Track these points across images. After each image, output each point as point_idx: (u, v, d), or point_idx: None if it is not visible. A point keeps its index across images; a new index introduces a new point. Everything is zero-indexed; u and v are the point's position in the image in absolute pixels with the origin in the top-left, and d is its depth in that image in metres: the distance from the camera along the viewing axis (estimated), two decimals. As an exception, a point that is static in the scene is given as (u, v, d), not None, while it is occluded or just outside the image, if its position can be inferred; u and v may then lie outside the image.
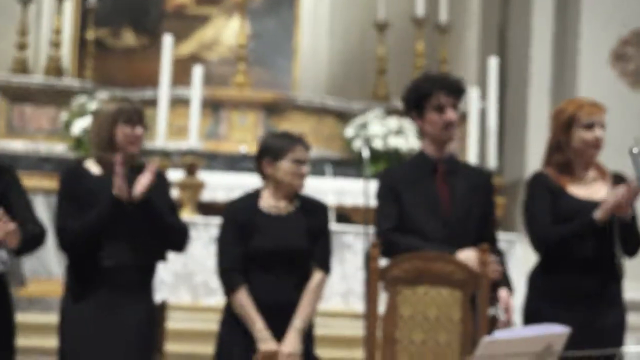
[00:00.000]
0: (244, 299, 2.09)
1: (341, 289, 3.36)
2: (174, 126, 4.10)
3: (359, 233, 3.44)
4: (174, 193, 2.78)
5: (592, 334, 2.04)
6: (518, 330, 1.67)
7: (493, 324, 2.04)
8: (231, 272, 2.11)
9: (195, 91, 3.81)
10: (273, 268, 2.10)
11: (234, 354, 2.09)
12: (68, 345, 2.10)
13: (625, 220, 2.09)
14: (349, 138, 4.59)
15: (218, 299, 2.18)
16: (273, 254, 2.10)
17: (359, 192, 3.86)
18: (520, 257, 3.40)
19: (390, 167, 2.71)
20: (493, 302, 2.06)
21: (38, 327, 3.15)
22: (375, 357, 1.98)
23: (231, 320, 2.12)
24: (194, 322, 3.31)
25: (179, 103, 4.12)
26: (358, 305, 3.28)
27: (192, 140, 3.76)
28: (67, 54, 4.79)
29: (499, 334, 1.50)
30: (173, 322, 2.95)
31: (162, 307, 2.55)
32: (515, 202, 4.00)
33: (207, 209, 3.78)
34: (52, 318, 2.27)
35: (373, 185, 2.15)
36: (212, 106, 4.42)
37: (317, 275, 2.14)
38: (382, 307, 2.01)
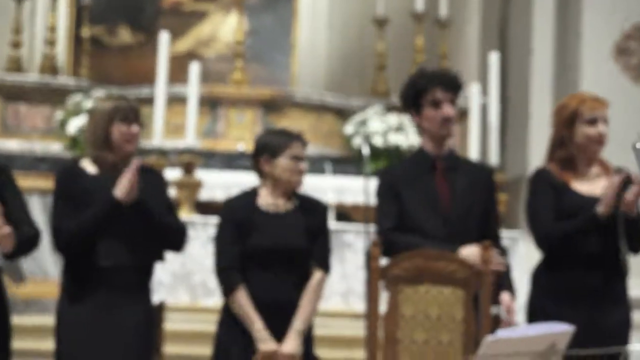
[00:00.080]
0: (242, 299, 2.08)
1: (341, 289, 3.34)
2: (171, 124, 4.08)
3: (359, 232, 3.41)
4: (172, 192, 2.75)
5: (596, 332, 2.03)
6: (521, 329, 1.65)
7: (496, 323, 2.02)
8: (229, 271, 2.10)
9: (192, 89, 3.79)
10: (271, 266, 2.09)
11: (232, 354, 2.08)
12: (65, 347, 2.08)
13: (630, 217, 2.07)
14: (348, 135, 4.57)
15: (216, 300, 2.16)
16: (271, 253, 2.09)
17: (359, 190, 3.83)
18: (523, 255, 3.38)
19: (389, 165, 2.70)
20: (496, 300, 2.03)
21: (34, 329, 3.13)
22: (377, 358, 1.97)
23: (229, 320, 2.10)
24: (193, 323, 3.30)
25: (176, 101, 4.10)
26: (359, 304, 3.26)
27: (190, 139, 3.74)
28: (62, 51, 4.78)
29: (502, 333, 1.48)
30: (171, 323, 2.93)
31: (160, 308, 2.53)
32: (518, 199, 3.97)
33: (205, 208, 3.76)
34: (49, 320, 2.26)
35: (373, 183, 2.14)
36: (210, 104, 4.41)
37: (316, 275, 2.13)
38: (383, 306, 1.99)
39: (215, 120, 4.47)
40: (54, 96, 4.48)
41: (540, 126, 4.09)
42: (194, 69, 3.81)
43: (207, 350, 2.20)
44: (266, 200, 2.15)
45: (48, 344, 2.22)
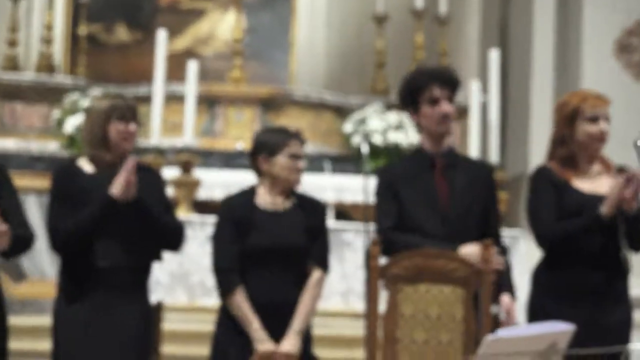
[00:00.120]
0: (240, 301, 2.07)
1: (341, 288, 3.33)
2: (169, 123, 4.07)
3: (358, 230, 3.40)
4: (169, 191, 2.73)
5: (597, 331, 2.02)
6: (522, 329, 1.64)
7: (496, 323, 2.00)
8: (227, 271, 2.09)
9: (190, 87, 3.78)
10: (270, 265, 2.08)
11: (229, 355, 2.07)
12: (62, 347, 2.08)
13: (630, 214, 2.05)
14: (347, 133, 4.55)
15: (215, 300, 2.15)
16: (270, 251, 2.08)
17: (359, 188, 3.81)
18: (524, 254, 3.36)
19: (388, 164, 2.69)
20: (496, 299, 2.01)
21: (31, 330, 3.12)
22: (376, 357, 1.96)
23: (227, 320, 2.10)
24: (191, 323, 3.28)
25: (174, 99, 4.09)
26: (358, 304, 3.25)
27: (187, 137, 3.73)
28: (58, 50, 4.76)
29: (503, 332, 1.47)
30: (169, 323, 2.92)
31: (158, 308, 2.52)
32: (518, 198, 3.96)
33: (203, 207, 3.74)
34: (46, 320, 2.24)
35: (373, 182, 2.13)
36: (208, 102, 4.40)
37: (315, 274, 2.12)
38: (382, 305, 1.98)
39: (214, 119, 4.45)
40: (50, 95, 4.47)
41: (541, 124, 4.08)
42: (192, 67, 3.79)
43: (205, 350, 2.19)
44: (264, 198, 2.14)
45: (45, 345, 2.21)
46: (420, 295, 1.96)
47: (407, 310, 1.96)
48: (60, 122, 4.34)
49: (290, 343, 2.05)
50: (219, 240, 2.11)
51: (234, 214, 2.10)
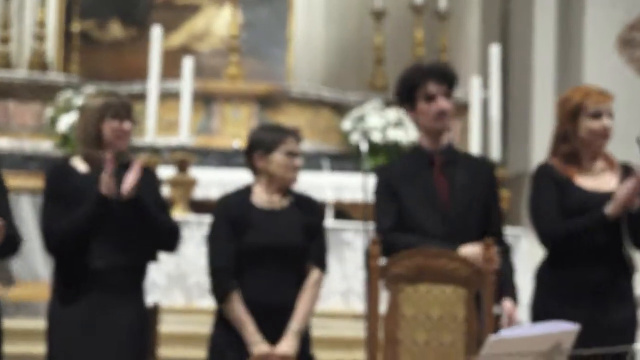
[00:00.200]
0: (235, 304, 2.06)
1: (341, 288, 3.30)
2: (164, 121, 4.04)
3: (358, 230, 3.36)
4: (165, 191, 2.69)
5: (601, 330, 2.00)
6: (525, 329, 1.61)
7: (498, 323, 1.96)
8: (224, 273, 2.07)
9: (186, 84, 3.75)
10: (267, 265, 2.06)
11: (226, 357, 2.06)
12: (57, 349, 2.06)
13: (633, 212, 2.02)
14: (346, 131, 4.53)
15: (211, 301, 2.12)
16: (267, 250, 2.06)
17: (358, 187, 3.77)
18: (526, 252, 3.33)
19: (386, 162, 2.65)
20: (498, 299, 1.98)
21: (25, 333, 3.09)
22: (377, 359, 1.94)
23: (224, 322, 2.08)
24: (188, 325, 3.25)
25: (169, 97, 4.05)
26: (358, 304, 3.22)
27: (183, 136, 3.70)
28: (51, 47, 4.72)
29: (505, 333, 1.45)
30: (166, 325, 2.87)
31: (155, 310, 2.47)
32: (520, 195, 3.93)
33: (199, 206, 3.71)
34: (40, 323, 2.23)
35: (372, 180, 2.11)
36: (204, 99, 4.37)
37: (314, 274, 2.10)
38: (383, 306, 1.96)
39: (210, 117, 4.41)
40: (43, 93, 4.45)
41: (543, 120, 4.05)
42: (188, 64, 3.76)
43: (202, 352, 2.18)
44: (261, 197, 2.12)
45: (39, 348, 2.19)
46: (421, 295, 1.94)
47: (408, 311, 1.94)
48: (53, 121, 4.32)
49: (287, 344, 2.03)
50: (214, 239, 2.09)
51: (230, 213, 2.08)
